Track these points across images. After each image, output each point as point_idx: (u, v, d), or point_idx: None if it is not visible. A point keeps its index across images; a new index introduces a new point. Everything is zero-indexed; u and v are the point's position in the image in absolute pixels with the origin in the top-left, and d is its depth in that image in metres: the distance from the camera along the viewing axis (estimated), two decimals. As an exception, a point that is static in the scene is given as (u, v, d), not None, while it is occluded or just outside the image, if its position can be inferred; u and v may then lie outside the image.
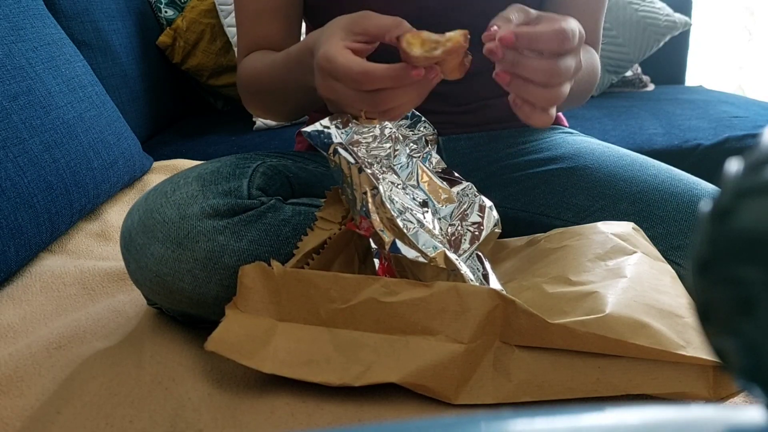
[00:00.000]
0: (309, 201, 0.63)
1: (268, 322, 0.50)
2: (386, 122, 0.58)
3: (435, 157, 0.61)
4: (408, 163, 0.58)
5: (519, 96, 0.50)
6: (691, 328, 0.46)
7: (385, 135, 0.58)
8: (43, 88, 0.86)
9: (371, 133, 0.57)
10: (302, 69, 0.61)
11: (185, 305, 0.57)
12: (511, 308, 0.47)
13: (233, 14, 1.57)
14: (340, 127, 0.54)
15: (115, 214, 0.95)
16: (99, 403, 0.50)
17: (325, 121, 0.54)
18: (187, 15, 1.62)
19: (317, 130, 0.53)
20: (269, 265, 0.51)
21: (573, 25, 0.49)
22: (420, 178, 0.58)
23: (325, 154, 0.53)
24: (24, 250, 0.74)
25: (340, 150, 0.52)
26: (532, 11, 0.52)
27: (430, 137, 0.62)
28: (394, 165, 0.57)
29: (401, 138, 0.59)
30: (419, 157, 0.59)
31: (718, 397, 0.45)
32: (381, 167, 0.55)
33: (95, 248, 0.85)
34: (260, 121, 1.54)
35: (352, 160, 0.52)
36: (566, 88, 0.51)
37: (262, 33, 0.74)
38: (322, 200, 0.59)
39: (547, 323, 0.45)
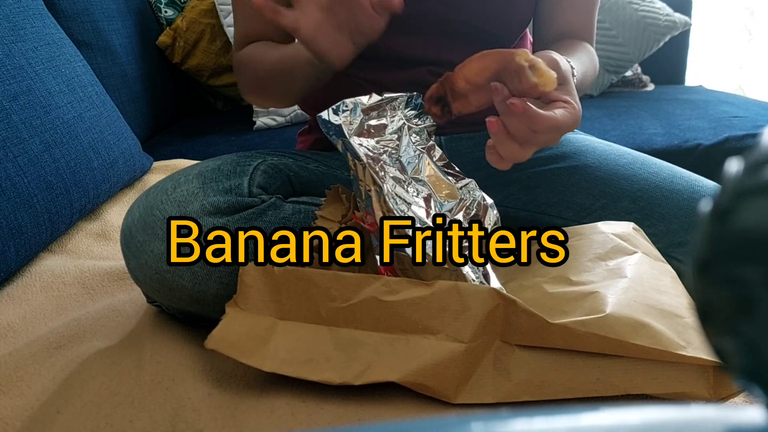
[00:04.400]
0: (309, 200, 0.63)
1: (268, 320, 0.50)
2: (395, 112, 0.58)
3: (438, 151, 0.61)
4: (415, 156, 0.58)
5: (495, 144, 0.52)
6: (692, 328, 0.46)
7: (395, 126, 0.58)
8: (43, 88, 0.86)
9: (381, 122, 0.57)
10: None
11: (185, 303, 0.57)
12: (512, 308, 0.47)
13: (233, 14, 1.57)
14: (350, 117, 0.54)
15: (115, 214, 0.95)
16: (99, 403, 0.50)
17: (335, 114, 0.53)
18: (187, 15, 1.62)
19: (328, 120, 0.53)
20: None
21: (569, 117, 0.52)
22: (425, 171, 0.58)
23: (333, 143, 0.53)
24: (24, 250, 0.74)
25: (347, 145, 0.52)
26: (562, 66, 0.54)
27: (431, 129, 0.63)
28: (402, 157, 0.57)
29: (407, 129, 0.59)
30: (424, 149, 0.59)
31: (718, 397, 0.45)
32: (389, 158, 0.55)
33: (95, 248, 0.85)
34: (260, 121, 1.54)
35: (357, 157, 0.52)
36: (531, 152, 0.53)
37: (257, 32, 0.75)
38: (323, 199, 0.59)
39: (547, 323, 0.45)
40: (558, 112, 0.51)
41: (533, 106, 0.49)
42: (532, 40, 0.86)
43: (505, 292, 0.48)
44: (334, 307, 0.49)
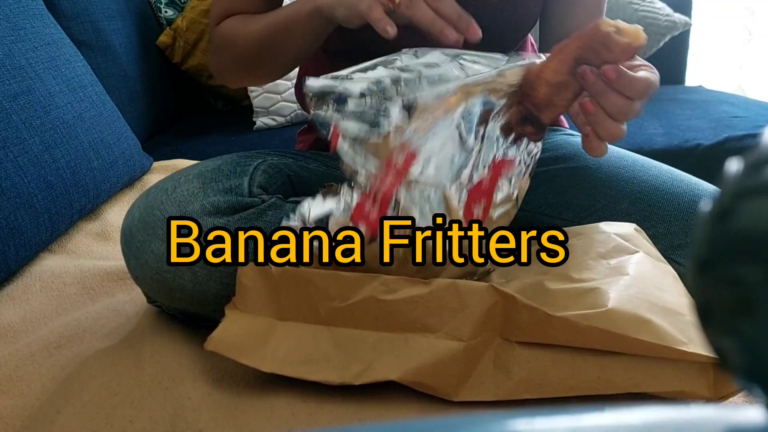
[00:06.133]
0: (309, 200, 0.63)
1: (267, 321, 0.50)
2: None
3: None
4: None
5: (594, 127, 0.52)
6: (693, 325, 0.46)
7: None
8: (43, 88, 0.86)
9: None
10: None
11: (185, 303, 0.57)
12: (511, 303, 0.47)
13: (233, 14, 1.57)
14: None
15: (115, 214, 0.95)
16: (99, 403, 0.50)
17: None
18: (187, 15, 1.62)
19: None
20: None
21: (657, 77, 0.52)
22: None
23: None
24: (24, 250, 0.74)
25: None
26: None
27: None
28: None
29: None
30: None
31: (719, 396, 0.45)
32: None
33: (95, 248, 0.85)
34: (260, 121, 1.53)
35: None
36: (625, 127, 0.53)
37: (243, 5, 0.73)
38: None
39: (549, 316, 0.45)
40: (643, 74, 0.51)
41: (626, 69, 0.49)
42: (532, 41, 0.86)
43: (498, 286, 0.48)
44: (333, 307, 0.49)
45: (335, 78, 0.51)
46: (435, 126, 0.49)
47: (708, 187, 0.66)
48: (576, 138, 0.81)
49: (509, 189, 0.56)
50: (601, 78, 0.49)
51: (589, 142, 0.53)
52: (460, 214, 0.51)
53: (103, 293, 0.71)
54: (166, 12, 1.65)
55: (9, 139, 0.75)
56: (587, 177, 0.70)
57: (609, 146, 0.76)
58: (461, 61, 0.56)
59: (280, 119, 1.55)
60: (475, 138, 0.51)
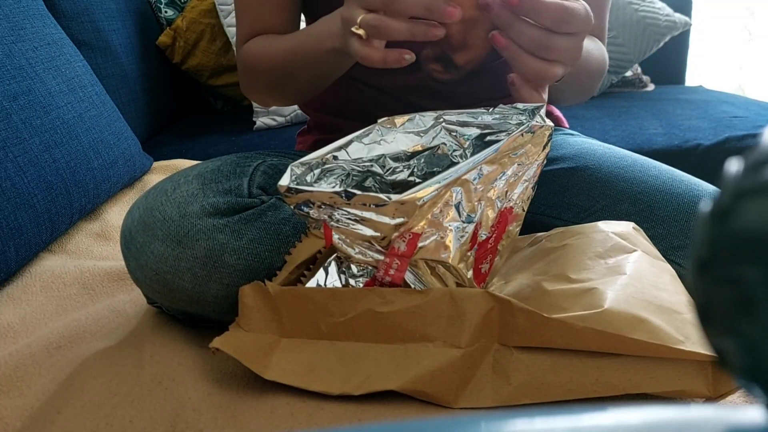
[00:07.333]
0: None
1: (271, 338, 0.51)
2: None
3: None
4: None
5: (512, 63, 0.48)
6: (690, 324, 0.46)
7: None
8: (43, 88, 0.86)
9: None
10: (323, 31, 0.61)
11: (185, 303, 0.57)
12: (507, 308, 0.47)
13: (233, 14, 1.57)
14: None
15: (115, 214, 0.95)
16: (99, 403, 0.50)
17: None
18: (187, 15, 1.62)
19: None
20: (265, 280, 0.51)
21: (579, 7, 0.47)
22: None
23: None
24: (24, 250, 0.74)
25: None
26: None
27: None
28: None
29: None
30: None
31: (718, 394, 0.45)
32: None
33: (95, 248, 0.85)
34: (260, 121, 1.53)
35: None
36: (558, 69, 0.48)
37: (264, 24, 0.75)
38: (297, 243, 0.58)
39: (545, 318, 0.45)
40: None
41: None
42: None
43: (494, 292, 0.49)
44: (333, 322, 0.50)
45: (304, 175, 0.50)
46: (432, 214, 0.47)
47: (708, 187, 0.66)
48: (576, 138, 0.81)
49: (517, 210, 0.56)
50: (505, 7, 0.44)
51: (514, 88, 0.47)
52: (471, 281, 0.51)
53: (104, 293, 0.71)
54: (166, 12, 1.65)
55: (9, 139, 0.75)
56: (587, 177, 0.70)
57: (608, 147, 0.77)
58: (444, 124, 0.56)
59: (280, 119, 1.55)
60: (479, 205, 0.50)
